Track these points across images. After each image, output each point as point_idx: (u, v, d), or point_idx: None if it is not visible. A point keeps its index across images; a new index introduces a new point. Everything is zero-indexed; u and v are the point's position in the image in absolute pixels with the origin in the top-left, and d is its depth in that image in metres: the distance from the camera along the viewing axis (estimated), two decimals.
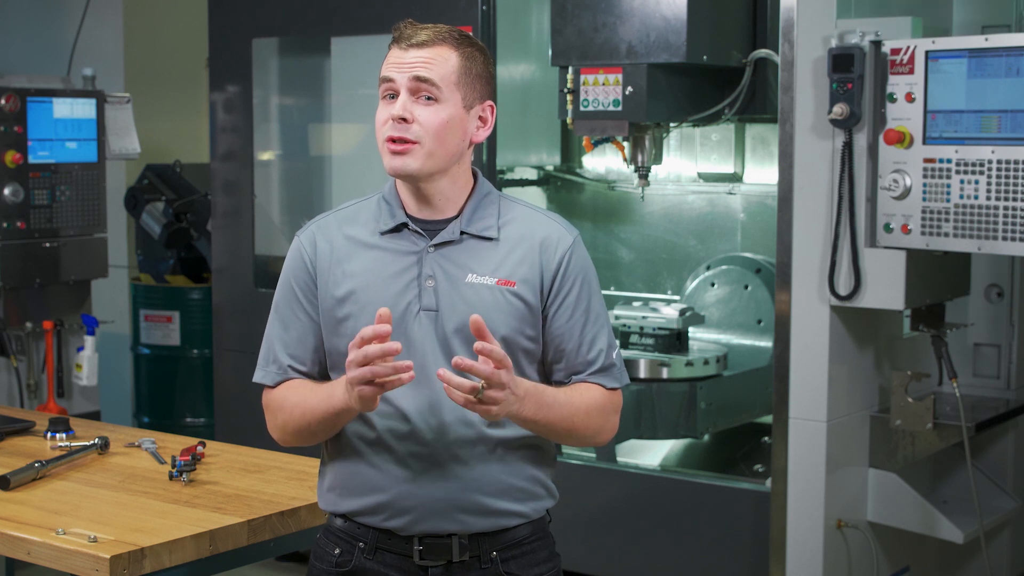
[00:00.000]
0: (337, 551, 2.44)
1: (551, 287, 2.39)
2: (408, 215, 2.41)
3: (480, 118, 2.40)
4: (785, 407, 4.08)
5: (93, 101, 5.56)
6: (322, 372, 2.46)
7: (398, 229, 2.41)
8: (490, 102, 2.42)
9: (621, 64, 4.48)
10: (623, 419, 2.50)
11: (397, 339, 2.33)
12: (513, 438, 2.38)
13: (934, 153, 3.76)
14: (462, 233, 2.39)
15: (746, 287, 5.10)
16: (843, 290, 3.94)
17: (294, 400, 2.40)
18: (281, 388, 2.44)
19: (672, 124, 4.76)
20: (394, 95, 2.34)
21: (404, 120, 2.32)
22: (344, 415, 2.32)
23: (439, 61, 2.33)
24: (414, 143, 2.33)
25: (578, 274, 2.41)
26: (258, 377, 2.48)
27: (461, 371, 2.18)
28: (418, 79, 2.32)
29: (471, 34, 2.41)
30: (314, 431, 2.40)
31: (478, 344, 2.16)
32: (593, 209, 5.60)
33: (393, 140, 2.33)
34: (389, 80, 2.34)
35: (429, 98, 2.33)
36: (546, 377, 2.45)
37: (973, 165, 3.69)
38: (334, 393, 2.30)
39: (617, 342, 2.53)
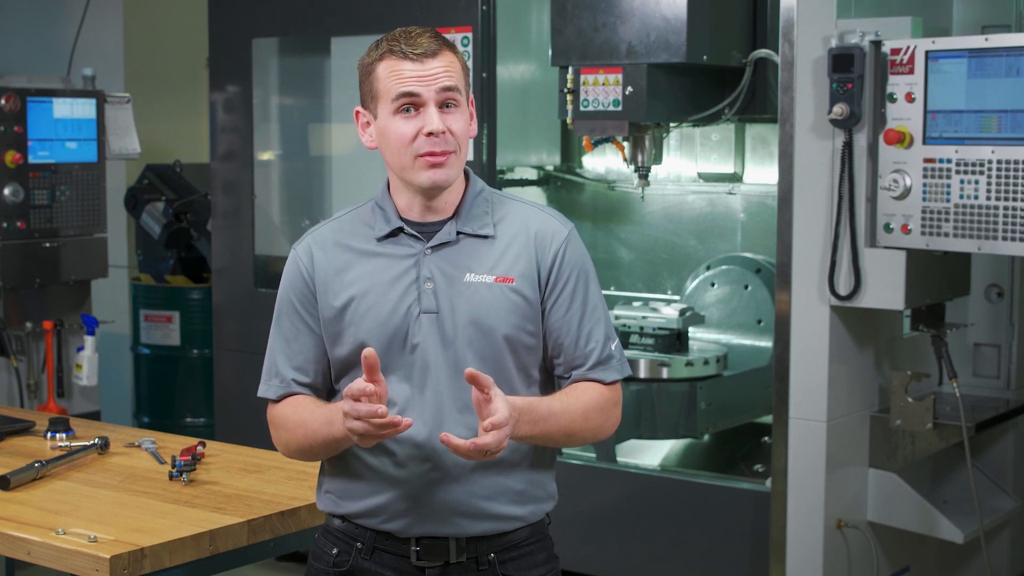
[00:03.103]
0: (335, 551, 2.44)
1: (547, 281, 2.39)
2: (403, 219, 2.41)
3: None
4: (785, 407, 4.08)
5: (93, 101, 5.56)
6: (326, 382, 2.46)
7: (394, 234, 2.40)
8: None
9: (621, 64, 4.48)
10: (623, 419, 2.50)
11: (399, 344, 2.35)
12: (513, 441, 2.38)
13: (934, 153, 3.76)
14: (458, 233, 2.39)
15: (746, 287, 5.10)
16: (843, 290, 3.94)
17: (295, 420, 2.40)
18: (284, 405, 2.44)
19: (672, 124, 4.76)
20: (411, 108, 2.32)
21: (443, 133, 2.31)
22: (344, 441, 2.31)
23: (453, 67, 2.33)
24: (452, 153, 2.33)
25: (574, 267, 2.41)
26: (262, 391, 2.48)
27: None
28: (446, 89, 2.31)
29: None
30: (316, 452, 2.41)
31: (485, 423, 2.16)
32: (593, 209, 5.60)
33: (433, 154, 2.32)
34: (412, 95, 2.31)
35: (449, 105, 2.33)
36: (548, 376, 2.46)
37: (973, 165, 3.69)
38: (334, 420, 2.29)
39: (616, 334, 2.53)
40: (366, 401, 2.19)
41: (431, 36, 2.34)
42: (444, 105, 2.32)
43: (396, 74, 2.32)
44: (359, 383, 2.20)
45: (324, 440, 2.34)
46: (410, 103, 2.32)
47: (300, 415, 2.39)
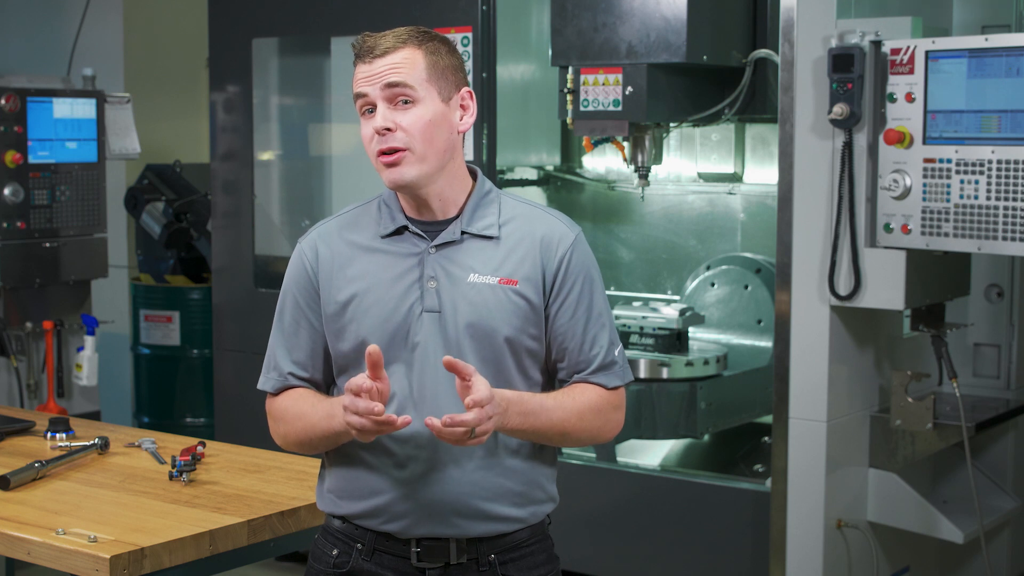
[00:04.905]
0: (335, 552, 2.44)
1: (552, 285, 2.38)
2: (408, 217, 2.41)
3: (461, 106, 2.39)
4: (785, 407, 4.08)
5: (93, 101, 5.56)
6: (327, 377, 2.46)
7: (399, 232, 2.40)
8: (467, 89, 2.40)
9: (621, 64, 4.48)
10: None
11: (400, 342, 2.35)
12: (513, 442, 2.37)
13: (934, 153, 3.76)
14: (463, 233, 2.39)
15: (746, 287, 5.10)
16: (843, 290, 3.94)
17: (295, 412, 2.40)
18: (283, 398, 2.44)
19: (672, 124, 4.76)
20: (371, 109, 2.33)
21: (388, 130, 2.31)
22: (344, 435, 2.32)
23: (406, 63, 2.32)
24: (404, 150, 2.32)
25: (579, 272, 2.40)
26: (260, 384, 2.48)
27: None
28: (390, 85, 2.31)
29: (430, 30, 2.41)
30: (315, 445, 2.41)
31: (467, 400, 2.17)
32: (593, 209, 5.60)
33: (383, 153, 2.33)
34: (362, 95, 2.33)
35: (406, 101, 2.32)
36: (550, 377, 2.45)
37: (973, 165, 3.69)
38: (334, 414, 2.29)
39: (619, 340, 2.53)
40: (366, 397, 2.19)
41: (394, 35, 2.34)
42: (401, 102, 2.32)
43: (355, 77, 2.35)
44: (360, 378, 2.20)
45: (323, 433, 2.35)
46: (366, 104, 2.34)
47: (299, 407, 2.40)
